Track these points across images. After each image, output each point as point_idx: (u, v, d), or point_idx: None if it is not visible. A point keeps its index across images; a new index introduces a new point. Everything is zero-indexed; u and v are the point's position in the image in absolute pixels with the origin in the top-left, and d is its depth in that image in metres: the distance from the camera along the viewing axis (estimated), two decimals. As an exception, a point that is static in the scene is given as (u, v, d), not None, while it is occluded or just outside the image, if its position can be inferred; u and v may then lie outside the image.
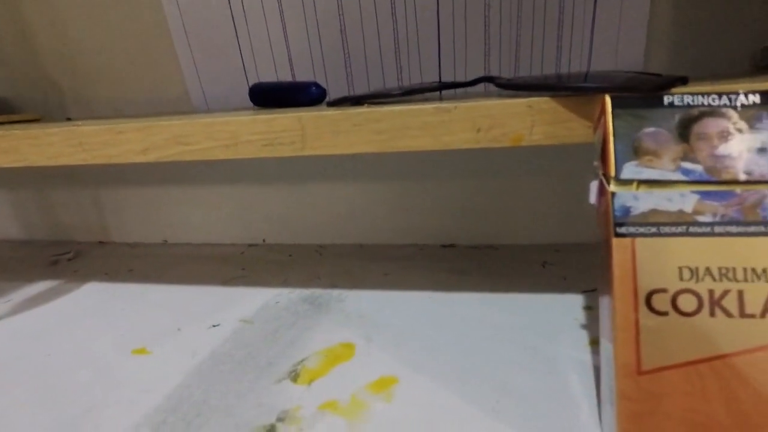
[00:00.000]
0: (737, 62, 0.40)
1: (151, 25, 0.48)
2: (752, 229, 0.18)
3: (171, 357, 0.31)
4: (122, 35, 0.49)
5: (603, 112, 0.20)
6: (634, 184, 0.19)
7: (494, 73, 0.43)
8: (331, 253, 0.49)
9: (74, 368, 0.31)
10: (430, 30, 0.43)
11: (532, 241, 0.47)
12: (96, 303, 0.41)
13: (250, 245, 0.53)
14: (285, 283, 0.42)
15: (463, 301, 0.36)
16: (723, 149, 0.19)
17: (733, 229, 0.18)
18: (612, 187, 0.19)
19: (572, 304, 0.34)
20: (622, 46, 0.41)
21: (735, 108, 0.19)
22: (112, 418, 0.25)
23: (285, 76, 0.46)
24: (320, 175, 0.51)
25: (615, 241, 0.19)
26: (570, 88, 0.23)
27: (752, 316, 0.18)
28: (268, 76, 0.47)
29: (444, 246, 0.48)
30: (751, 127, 0.19)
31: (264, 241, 0.53)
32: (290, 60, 0.46)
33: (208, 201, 0.54)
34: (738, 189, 0.18)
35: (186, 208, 0.55)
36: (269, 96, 0.38)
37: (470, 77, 0.45)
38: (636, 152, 0.19)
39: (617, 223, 0.19)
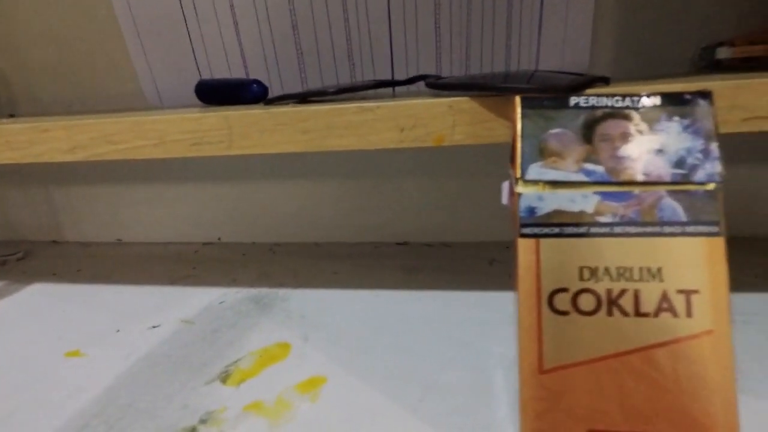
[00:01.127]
0: (681, 63, 0.41)
1: (103, 19, 0.47)
2: (649, 229, 0.18)
3: (105, 359, 0.31)
4: (73, 28, 0.48)
5: (513, 112, 0.20)
6: (540, 185, 0.19)
7: (445, 71, 0.43)
8: (285, 252, 0.48)
9: (4, 371, 0.30)
10: (382, 27, 0.43)
11: (483, 238, 0.48)
12: (39, 304, 0.40)
13: (205, 244, 0.53)
14: (233, 282, 0.42)
15: (407, 299, 0.36)
16: (624, 150, 0.19)
17: (632, 229, 0.19)
18: (518, 188, 0.19)
19: (512, 301, 0.35)
20: (568, 47, 0.41)
21: (637, 109, 0.19)
22: (34, 421, 0.25)
23: (238, 72, 0.46)
24: (275, 173, 0.50)
25: (520, 241, 0.19)
26: (487, 88, 0.23)
27: (646, 315, 0.18)
28: (222, 72, 0.46)
29: (398, 244, 0.48)
30: (652, 128, 0.19)
31: (219, 239, 0.53)
32: (243, 56, 0.46)
33: (163, 199, 0.54)
34: (636, 190, 0.19)
35: (141, 206, 0.54)
36: (213, 93, 0.37)
37: (423, 74, 0.45)
38: (542, 153, 0.20)
39: (522, 223, 0.19)
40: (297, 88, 0.44)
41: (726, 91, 0.22)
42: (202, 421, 0.24)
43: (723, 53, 0.33)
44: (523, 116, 0.20)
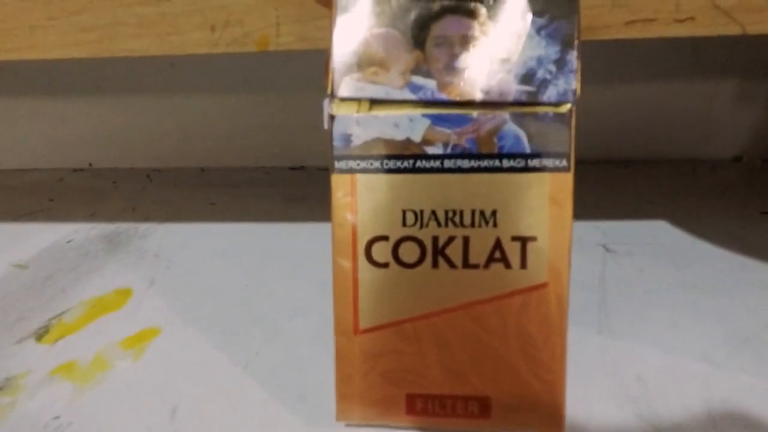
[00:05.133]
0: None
1: None
2: (485, 163, 0.15)
3: None
4: None
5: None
6: (357, 105, 0.15)
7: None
8: (163, 180, 0.43)
9: None
10: None
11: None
12: None
13: (75, 170, 0.46)
14: (92, 216, 0.36)
15: (283, 233, 0.33)
16: (463, 59, 0.15)
17: (465, 163, 0.15)
18: (332, 109, 0.15)
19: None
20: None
21: (485, 3, 0.15)
22: None
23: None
24: (153, 85, 0.43)
25: (334, 177, 0.15)
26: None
27: (476, 266, 0.15)
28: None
29: (293, 169, 0.44)
30: (499, 29, 0.15)
31: (90, 165, 0.46)
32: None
33: (20, 117, 0.45)
34: (474, 112, 0.15)
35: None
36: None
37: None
38: (360, 61, 0.15)
39: (336, 156, 0.15)
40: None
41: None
42: (-4, 389, 0.21)
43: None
44: (341, 10, 0.15)
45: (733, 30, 0.19)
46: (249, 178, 0.42)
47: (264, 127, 0.44)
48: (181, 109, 0.44)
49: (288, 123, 0.43)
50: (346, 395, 0.17)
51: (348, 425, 0.18)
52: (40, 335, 0.24)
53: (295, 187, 0.40)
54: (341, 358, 0.16)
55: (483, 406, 0.16)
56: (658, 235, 0.30)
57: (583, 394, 0.19)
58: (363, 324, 0.16)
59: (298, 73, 0.42)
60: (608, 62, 0.39)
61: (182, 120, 0.44)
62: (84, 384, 0.21)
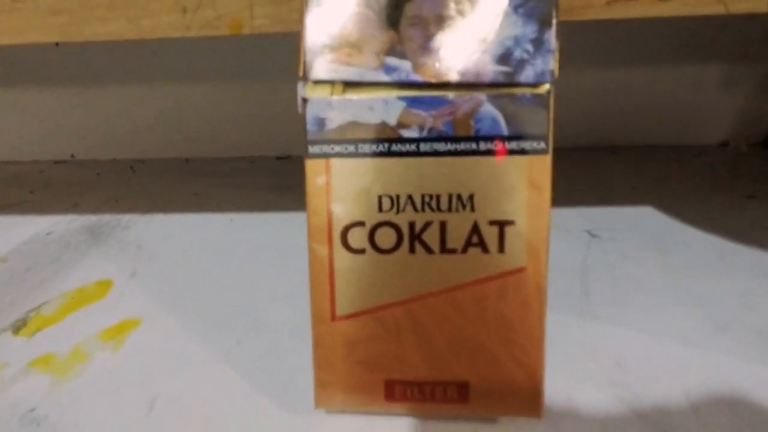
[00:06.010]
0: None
1: None
2: (462, 146, 0.15)
3: None
4: None
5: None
6: (330, 87, 0.15)
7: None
8: (147, 170, 0.42)
9: None
10: None
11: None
12: None
13: (56, 162, 0.45)
14: (73, 208, 0.36)
15: (266, 223, 0.32)
16: (438, 39, 0.15)
17: (441, 146, 0.15)
18: (305, 92, 0.15)
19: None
20: None
21: None
22: None
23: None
24: (136, 74, 0.42)
25: (308, 163, 0.15)
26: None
27: (453, 251, 0.15)
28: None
29: (279, 158, 0.43)
30: (474, 9, 0.15)
31: (72, 156, 0.45)
32: None
33: (2, 108, 0.45)
34: (450, 94, 0.15)
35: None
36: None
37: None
38: (334, 42, 0.15)
39: (310, 140, 0.15)
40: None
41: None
42: (-28, 383, 0.20)
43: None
44: (313, -12, 0.15)
45: (716, 9, 0.19)
46: (234, 168, 0.42)
47: (249, 117, 0.43)
48: (165, 98, 0.43)
49: (273, 112, 0.43)
50: (324, 382, 0.16)
51: (328, 412, 0.18)
52: (18, 328, 0.23)
53: (281, 177, 0.39)
54: (319, 346, 0.16)
55: (461, 391, 0.16)
56: (643, 220, 0.30)
57: (563, 379, 0.19)
58: (340, 311, 0.16)
59: (283, 61, 0.41)
60: (592, 46, 0.38)
61: (166, 110, 0.43)
62: (62, 376, 0.20)
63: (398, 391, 0.16)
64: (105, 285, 0.26)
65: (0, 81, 0.43)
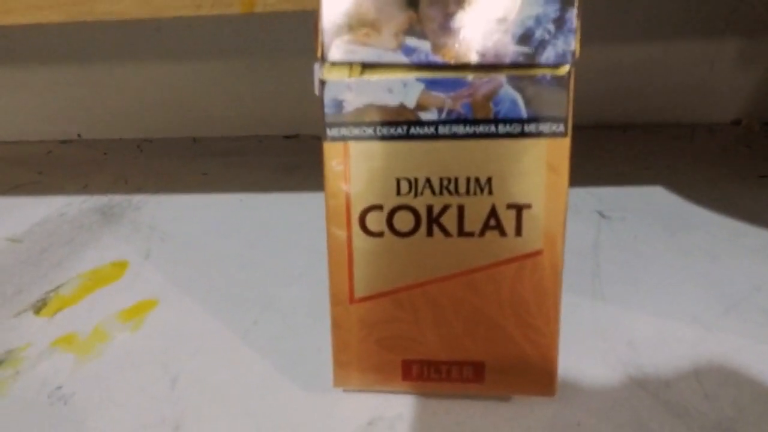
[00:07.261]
0: None
1: None
2: (481, 129, 0.15)
3: None
4: None
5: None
6: (348, 69, 0.15)
7: None
8: (154, 150, 0.42)
9: None
10: None
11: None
12: None
13: (63, 142, 0.45)
14: (84, 189, 0.36)
15: (276, 202, 0.32)
16: (458, 19, 0.14)
17: (460, 129, 0.15)
18: (323, 74, 0.15)
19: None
20: None
21: None
22: None
23: None
24: (142, 52, 0.41)
25: (326, 146, 0.15)
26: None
27: (471, 234, 0.15)
28: None
29: (287, 137, 0.43)
30: None
31: (79, 136, 0.45)
32: None
33: (3, 88, 0.43)
34: (470, 75, 0.15)
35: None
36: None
37: None
38: (351, 22, 0.15)
39: (328, 123, 0.15)
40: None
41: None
42: (-2, 361, 0.21)
43: None
44: (330, -34, 0.14)
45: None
46: (242, 147, 0.42)
47: (257, 95, 0.43)
48: (172, 77, 0.42)
49: (281, 90, 0.42)
50: (343, 362, 0.17)
51: (345, 391, 0.18)
52: (39, 308, 0.24)
53: (289, 156, 0.39)
54: (337, 327, 0.16)
55: (477, 371, 0.16)
56: (654, 200, 0.30)
57: (575, 358, 0.19)
58: (358, 293, 0.16)
59: (291, 39, 0.41)
60: (605, 22, 0.38)
61: (173, 88, 0.43)
62: (85, 355, 0.21)
63: (415, 371, 0.17)
64: (121, 266, 0.27)
65: (5, 60, 0.43)
